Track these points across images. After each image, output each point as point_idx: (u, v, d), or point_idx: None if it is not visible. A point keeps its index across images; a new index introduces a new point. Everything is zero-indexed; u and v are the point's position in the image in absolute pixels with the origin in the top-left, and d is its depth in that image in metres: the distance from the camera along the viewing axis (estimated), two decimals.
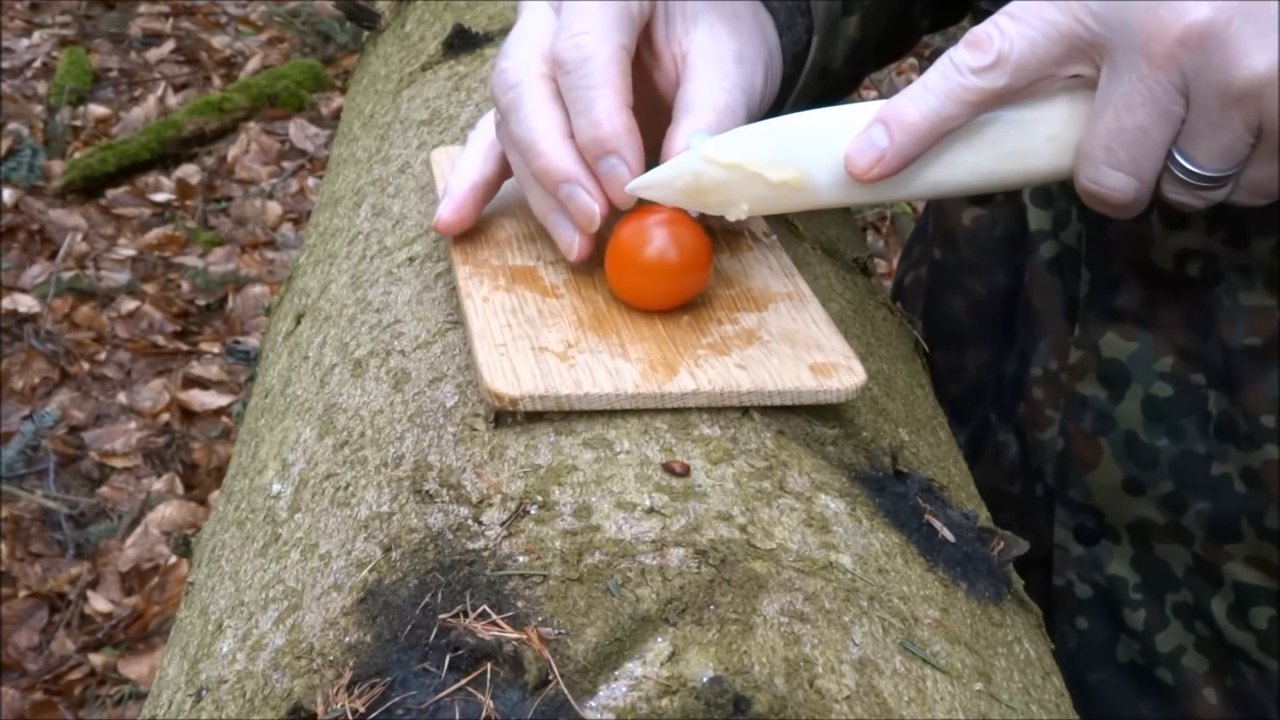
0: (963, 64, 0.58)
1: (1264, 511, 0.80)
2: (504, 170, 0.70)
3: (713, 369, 0.60)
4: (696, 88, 0.66)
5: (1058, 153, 0.61)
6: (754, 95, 0.69)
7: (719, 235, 0.71)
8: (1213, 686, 0.86)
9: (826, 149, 0.62)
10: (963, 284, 0.95)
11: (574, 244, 0.65)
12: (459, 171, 0.70)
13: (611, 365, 0.60)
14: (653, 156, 0.65)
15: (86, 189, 3.37)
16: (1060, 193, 0.86)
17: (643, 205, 0.64)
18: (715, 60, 0.67)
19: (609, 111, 0.62)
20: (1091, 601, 0.89)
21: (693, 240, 0.63)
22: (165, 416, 2.73)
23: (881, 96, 0.65)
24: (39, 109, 3.66)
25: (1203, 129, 0.56)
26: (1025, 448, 0.91)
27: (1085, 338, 0.84)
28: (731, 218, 0.64)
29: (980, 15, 0.87)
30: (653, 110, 0.68)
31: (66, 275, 3.05)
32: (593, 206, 0.63)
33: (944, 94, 0.59)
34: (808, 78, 0.79)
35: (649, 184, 0.63)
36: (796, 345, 0.63)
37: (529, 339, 0.61)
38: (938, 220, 0.97)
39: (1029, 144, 0.61)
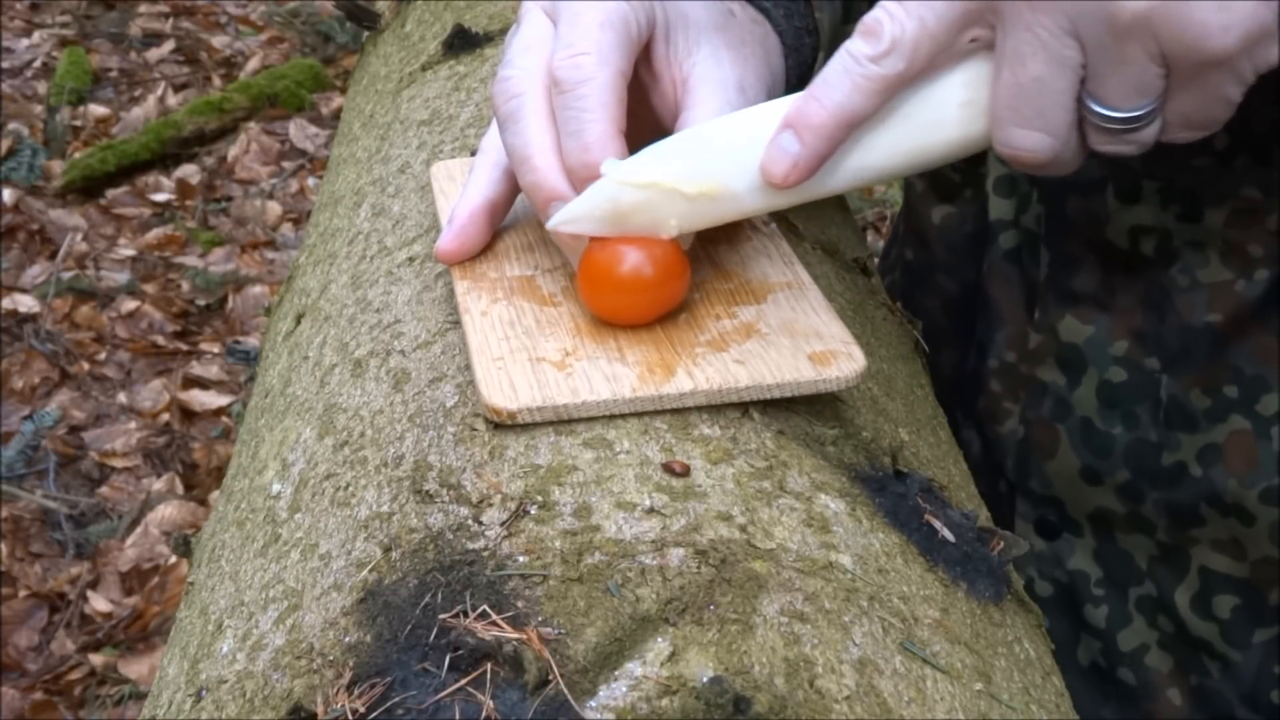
0: (859, 54, 0.57)
1: (1222, 491, 0.80)
2: (513, 190, 0.68)
3: (710, 367, 0.60)
4: (696, 117, 0.65)
5: (972, 118, 0.59)
6: None
7: (718, 228, 0.70)
8: (1176, 686, 0.85)
9: (739, 155, 0.61)
10: (936, 283, 0.95)
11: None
12: (465, 194, 0.68)
13: (609, 370, 0.60)
14: None
15: (86, 189, 3.37)
16: (1024, 175, 0.86)
17: None
18: (717, 88, 0.66)
19: (600, 137, 0.61)
20: (1053, 599, 0.89)
21: (666, 254, 0.62)
22: (165, 416, 2.73)
23: None
24: (39, 109, 3.67)
25: (1104, 68, 0.55)
26: (986, 443, 0.91)
27: (1044, 321, 0.84)
28: (667, 235, 0.62)
29: None
30: (648, 131, 0.67)
31: (66, 275, 3.05)
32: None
33: (847, 88, 0.58)
34: None
35: (569, 218, 0.62)
36: (795, 335, 0.63)
37: (527, 350, 0.61)
38: (908, 221, 0.97)
39: (942, 114, 0.60)
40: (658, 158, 0.62)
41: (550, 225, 0.62)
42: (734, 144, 0.61)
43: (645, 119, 0.68)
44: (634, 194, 0.61)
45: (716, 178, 0.61)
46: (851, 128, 0.59)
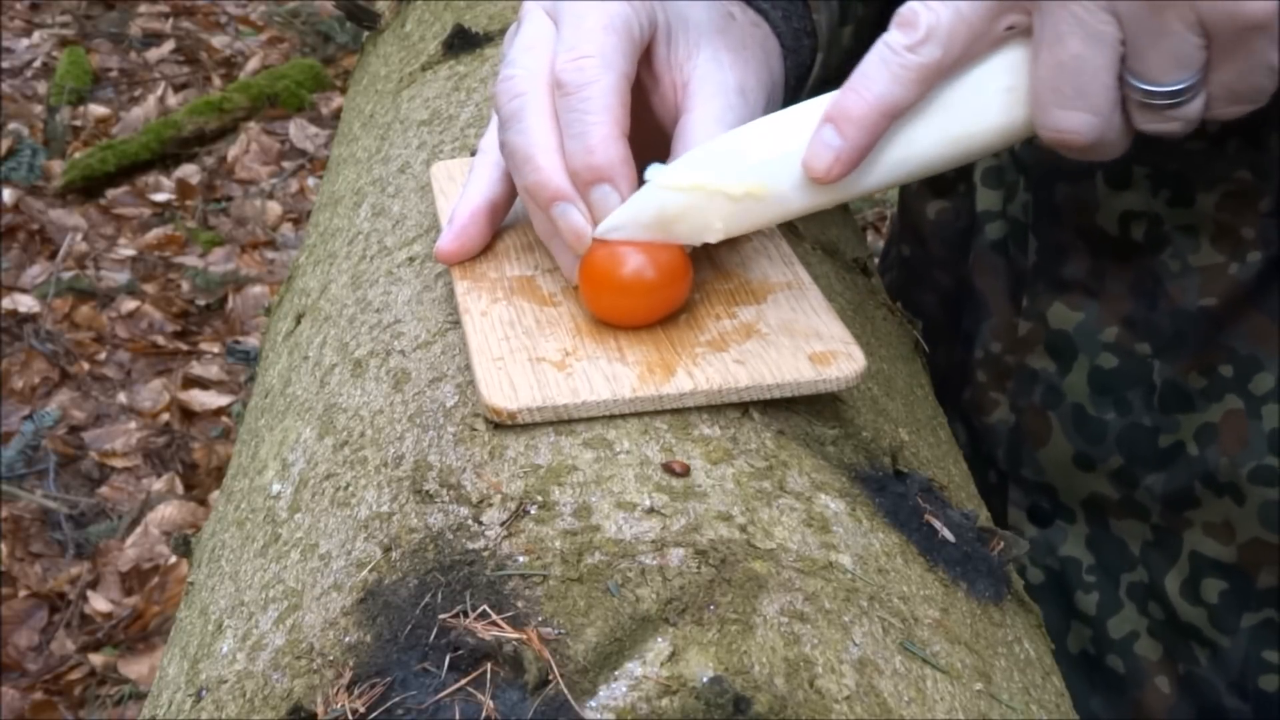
0: (896, 45, 0.57)
1: (1215, 470, 0.80)
2: (513, 190, 0.68)
3: (710, 367, 0.60)
4: (696, 120, 0.65)
5: (1014, 104, 0.59)
6: None
7: None
8: (1165, 674, 0.86)
9: (783, 154, 0.60)
10: (932, 279, 0.95)
11: (576, 268, 0.64)
12: (465, 194, 0.68)
13: (609, 370, 0.60)
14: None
15: (86, 189, 3.37)
16: (1010, 165, 0.86)
17: None
18: (717, 91, 0.66)
19: (604, 139, 0.61)
20: (1044, 587, 0.89)
21: (668, 255, 0.62)
22: (165, 416, 2.73)
23: None
24: (39, 109, 3.67)
25: (1144, 42, 0.55)
26: (973, 434, 0.91)
27: (1033, 308, 0.84)
28: (712, 240, 0.62)
29: None
30: (647, 132, 0.67)
31: (66, 275, 3.05)
32: (585, 227, 0.62)
33: (885, 79, 0.58)
34: (810, 94, 0.79)
35: (616, 225, 0.62)
36: (795, 335, 0.62)
37: (526, 350, 0.61)
38: (904, 218, 0.98)
39: (984, 101, 0.59)
40: (701, 161, 0.62)
41: (598, 233, 0.62)
42: (777, 143, 0.61)
43: (645, 121, 0.67)
44: (679, 198, 0.61)
45: (761, 178, 0.61)
46: (892, 118, 0.59)
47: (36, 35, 3.98)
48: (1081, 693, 0.88)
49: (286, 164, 3.56)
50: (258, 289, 3.07)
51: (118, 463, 2.61)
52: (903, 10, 0.58)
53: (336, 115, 3.46)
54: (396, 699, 0.46)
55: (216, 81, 3.87)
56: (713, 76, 0.66)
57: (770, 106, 0.70)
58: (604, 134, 0.61)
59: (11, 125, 3.54)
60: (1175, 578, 0.84)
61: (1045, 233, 0.83)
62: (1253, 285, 0.77)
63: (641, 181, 0.63)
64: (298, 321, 0.79)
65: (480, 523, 0.53)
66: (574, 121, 0.62)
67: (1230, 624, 0.83)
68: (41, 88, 3.76)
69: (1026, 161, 0.84)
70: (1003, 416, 0.88)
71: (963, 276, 0.92)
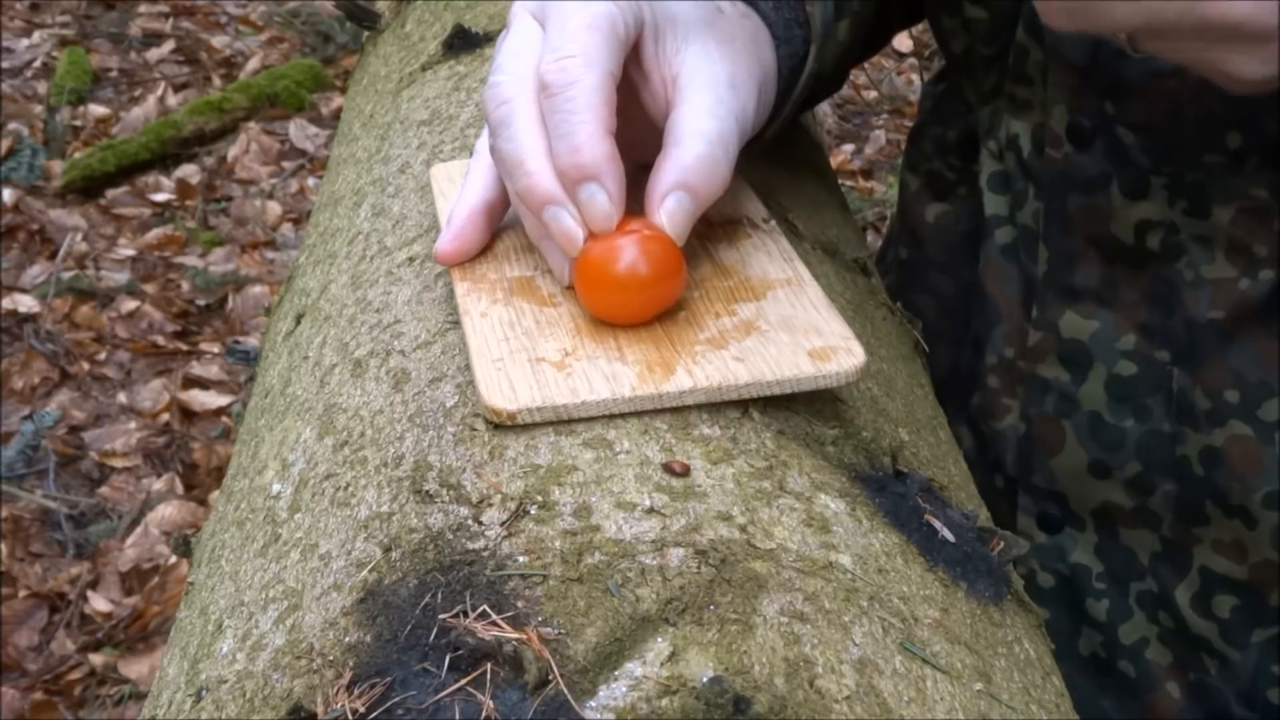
0: None
1: (1228, 491, 0.80)
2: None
3: (710, 364, 0.60)
4: (688, 113, 0.65)
5: None
6: (746, 121, 0.67)
7: (717, 225, 0.71)
8: (1175, 680, 0.86)
9: None
10: (930, 282, 0.95)
11: (566, 269, 0.64)
12: (462, 196, 0.68)
13: (609, 370, 0.60)
14: (640, 176, 0.63)
15: (86, 189, 3.38)
16: (1018, 172, 0.86)
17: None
18: (708, 84, 0.65)
19: (590, 138, 0.61)
20: (1054, 591, 0.89)
21: (662, 252, 0.62)
22: (165, 416, 2.73)
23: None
24: (39, 109, 3.67)
25: None
26: (981, 440, 0.91)
27: (1044, 318, 0.84)
28: None
29: (936, 23, 0.87)
30: (639, 130, 0.67)
31: (66, 275, 3.05)
32: (576, 230, 0.62)
33: None
34: (804, 86, 0.79)
35: None
36: (795, 332, 0.62)
37: (526, 351, 0.61)
38: (903, 220, 0.98)
39: None
40: None
41: None
42: None
43: (637, 119, 0.67)
44: None
45: None
46: None
47: (36, 35, 3.99)
48: (1093, 694, 0.89)
49: (286, 164, 3.56)
50: (258, 289, 3.07)
51: (118, 463, 2.61)
52: None
53: (336, 115, 3.46)
54: (396, 699, 0.46)
55: (216, 81, 3.88)
56: (702, 70, 0.66)
57: (762, 98, 0.70)
58: (589, 132, 0.61)
59: (11, 125, 3.54)
60: (1186, 590, 0.84)
61: (1056, 242, 0.83)
62: (1262, 304, 0.77)
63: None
64: (298, 321, 0.79)
65: (480, 523, 0.53)
66: (560, 122, 0.61)
67: (1241, 639, 0.83)
68: (41, 88, 3.76)
69: (1035, 170, 0.84)
70: (1013, 423, 0.88)
71: (963, 280, 0.91)
